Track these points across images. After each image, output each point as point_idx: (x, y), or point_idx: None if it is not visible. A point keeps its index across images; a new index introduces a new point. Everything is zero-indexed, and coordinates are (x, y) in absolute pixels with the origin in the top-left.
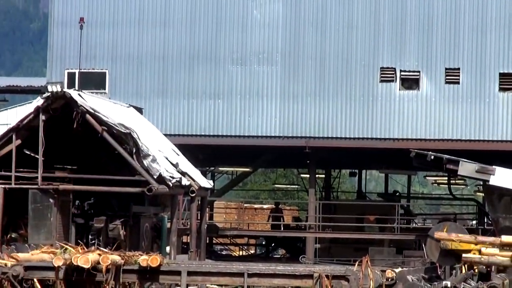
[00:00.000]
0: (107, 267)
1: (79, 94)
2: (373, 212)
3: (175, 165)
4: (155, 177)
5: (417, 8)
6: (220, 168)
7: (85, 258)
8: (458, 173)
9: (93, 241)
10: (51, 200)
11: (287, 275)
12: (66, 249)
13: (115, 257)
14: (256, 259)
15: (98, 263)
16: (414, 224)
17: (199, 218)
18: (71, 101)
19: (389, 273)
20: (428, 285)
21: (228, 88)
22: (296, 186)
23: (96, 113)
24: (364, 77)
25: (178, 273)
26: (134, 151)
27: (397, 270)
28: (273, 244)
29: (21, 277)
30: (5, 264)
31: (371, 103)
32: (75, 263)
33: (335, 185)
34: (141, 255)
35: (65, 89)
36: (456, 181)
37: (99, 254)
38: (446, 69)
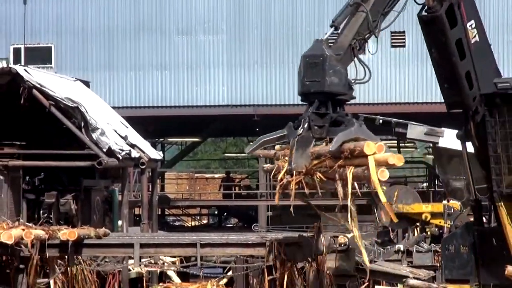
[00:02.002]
0: (32, 242)
1: (25, 70)
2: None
3: (124, 138)
4: (104, 150)
5: None
6: (170, 139)
7: (8, 234)
8: (407, 136)
9: (44, 216)
10: (0, 177)
11: (240, 244)
12: None
13: (39, 232)
14: (209, 229)
15: (22, 238)
16: (365, 188)
17: (150, 189)
18: (17, 77)
19: (342, 239)
20: (381, 249)
21: (175, 59)
22: (246, 155)
23: (42, 88)
24: (309, 44)
25: (131, 245)
26: (82, 125)
27: (349, 236)
28: (225, 214)
29: None
30: None
31: None
32: None
33: None
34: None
35: (11, 65)
36: (406, 144)
37: (23, 230)
38: (391, 32)
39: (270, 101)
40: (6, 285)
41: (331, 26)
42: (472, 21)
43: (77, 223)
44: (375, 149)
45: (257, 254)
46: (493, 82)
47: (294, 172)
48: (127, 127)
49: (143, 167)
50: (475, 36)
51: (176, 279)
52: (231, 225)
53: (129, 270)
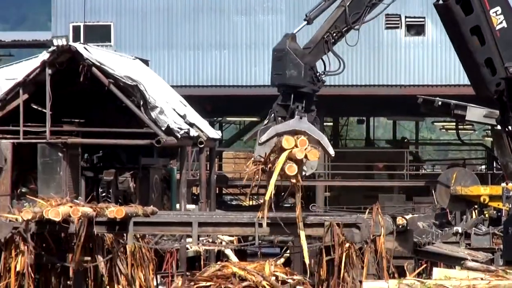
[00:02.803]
0: (79, 220)
1: (84, 48)
2: (382, 159)
3: (183, 117)
4: (163, 128)
5: None
6: (228, 118)
7: (55, 211)
8: (466, 118)
9: (103, 194)
10: (60, 154)
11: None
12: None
13: (86, 209)
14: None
15: (70, 215)
16: (423, 170)
17: (208, 169)
18: (77, 55)
19: (400, 220)
20: (439, 231)
21: (234, 39)
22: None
23: (102, 66)
24: (369, 24)
25: (189, 224)
26: (141, 103)
27: (407, 217)
28: (282, 193)
29: (33, 232)
30: (16, 219)
31: (377, 50)
32: (46, 216)
33: (343, 133)
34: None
35: (71, 43)
36: (464, 126)
37: (70, 207)
38: None
39: (329, 81)
40: (58, 260)
41: (304, 20)
42: (498, 8)
43: (135, 201)
44: (295, 143)
45: (315, 234)
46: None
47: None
48: (185, 106)
49: (202, 146)
50: (501, 22)
51: (233, 258)
52: (289, 205)
53: (187, 248)
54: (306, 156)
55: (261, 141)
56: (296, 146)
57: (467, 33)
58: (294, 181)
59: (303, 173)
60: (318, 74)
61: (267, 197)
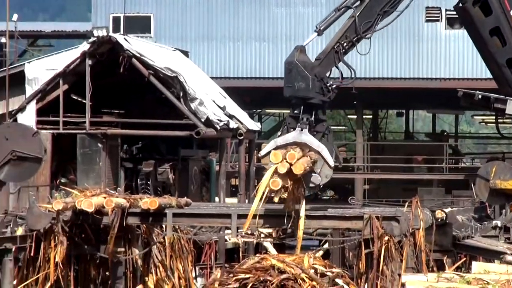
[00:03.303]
0: (113, 210)
1: (125, 39)
2: (421, 152)
3: (223, 108)
4: (202, 120)
5: None
6: (267, 110)
7: (88, 202)
8: (506, 112)
9: (142, 185)
10: (99, 145)
11: (337, 216)
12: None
13: (120, 200)
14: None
15: (103, 206)
16: (462, 164)
17: (247, 160)
18: (117, 46)
19: (439, 213)
20: (478, 224)
21: (274, 30)
22: (343, 127)
23: (142, 57)
24: (409, 17)
25: (228, 216)
26: (181, 94)
27: (446, 210)
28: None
29: (72, 222)
30: (54, 209)
31: (417, 43)
32: (78, 207)
33: (382, 126)
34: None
35: (111, 34)
36: (504, 120)
37: (104, 197)
38: None
39: (368, 74)
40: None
41: (315, 31)
42: None
43: (174, 192)
44: (283, 157)
45: (354, 227)
46: None
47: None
48: (225, 98)
49: (241, 138)
50: None
51: (272, 250)
52: (327, 198)
53: (226, 240)
54: (291, 170)
55: (261, 155)
56: (285, 159)
57: (487, 34)
58: (280, 196)
59: (318, 182)
60: (328, 84)
61: (250, 212)
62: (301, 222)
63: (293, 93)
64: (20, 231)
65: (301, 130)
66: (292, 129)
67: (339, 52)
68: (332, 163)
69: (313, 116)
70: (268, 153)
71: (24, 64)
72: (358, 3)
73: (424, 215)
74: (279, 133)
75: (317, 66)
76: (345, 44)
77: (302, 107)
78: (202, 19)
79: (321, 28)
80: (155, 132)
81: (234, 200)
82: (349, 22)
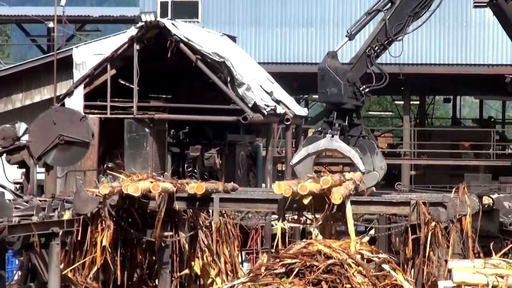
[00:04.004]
0: (159, 195)
1: (172, 24)
2: (468, 138)
3: (270, 93)
4: (250, 105)
5: None
6: (314, 96)
7: (134, 186)
8: None
9: (189, 170)
10: (146, 130)
11: (384, 202)
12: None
13: (167, 185)
14: None
15: (150, 191)
16: (509, 150)
17: (294, 146)
18: (164, 31)
19: (486, 200)
20: None
21: (321, 16)
22: (390, 113)
23: (190, 42)
24: (457, 3)
25: (275, 201)
26: (228, 79)
27: (493, 196)
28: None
29: (119, 207)
30: (101, 193)
31: (465, 29)
32: (125, 191)
33: (429, 112)
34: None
35: (159, 19)
36: None
37: (151, 182)
38: None
39: (416, 60)
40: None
41: (346, 36)
42: None
43: (221, 177)
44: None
45: (401, 213)
46: None
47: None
48: (272, 83)
49: (288, 123)
50: None
51: (318, 235)
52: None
53: (272, 225)
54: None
55: (292, 163)
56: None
57: None
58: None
59: (377, 179)
60: (361, 88)
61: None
62: (349, 209)
63: (326, 99)
64: (67, 215)
65: (332, 136)
66: (328, 135)
67: (371, 56)
68: (362, 168)
69: (347, 121)
70: (300, 162)
71: (72, 49)
72: (389, 5)
73: (471, 201)
74: (310, 134)
75: (349, 71)
76: (376, 47)
77: (335, 113)
78: (249, 4)
79: (353, 33)
80: (202, 117)
81: None
82: (380, 25)
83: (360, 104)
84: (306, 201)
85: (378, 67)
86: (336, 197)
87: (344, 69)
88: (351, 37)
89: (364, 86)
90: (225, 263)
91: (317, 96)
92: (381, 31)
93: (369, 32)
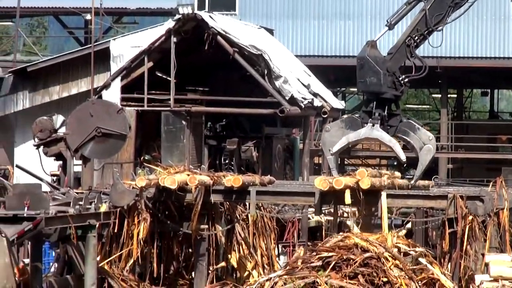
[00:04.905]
0: (196, 188)
1: (210, 16)
2: (506, 132)
3: (307, 86)
4: (287, 98)
5: None
6: (351, 89)
7: (171, 179)
8: None
9: (225, 163)
10: (183, 122)
11: (421, 196)
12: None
13: (203, 178)
14: None
15: (186, 184)
16: None
17: None
18: (202, 23)
19: None
20: None
21: (358, 8)
22: (428, 106)
23: (227, 34)
24: None
25: (312, 194)
26: (265, 72)
27: None
28: (405, 165)
29: (156, 199)
30: (138, 186)
31: (503, 22)
32: (161, 184)
33: (467, 105)
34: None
35: (196, 11)
36: None
37: (188, 175)
38: None
39: (453, 53)
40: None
41: (386, 26)
42: None
43: (257, 170)
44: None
45: (438, 206)
46: None
47: None
48: (309, 76)
49: (325, 116)
50: None
51: (355, 229)
52: (410, 177)
53: (309, 218)
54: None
55: (333, 151)
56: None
57: None
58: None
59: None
60: (401, 78)
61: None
62: (384, 200)
63: (365, 88)
64: (104, 208)
65: (373, 125)
66: (365, 124)
67: (410, 46)
68: (403, 157)
69: (386, 111)
70: (340, 150)
71: (109, 41)
72: None
73: (509, 194)
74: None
75: (388, 61)
76: (416, 37)
77: (374, 102)
78: None
79: (392, 23)
80: (239, 109)
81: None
82: (420, 16)
83: (399, 94)
84: (347, 200)
85: (417, 57)
86: (364, 182)
87: (384, 59)
88: (390, 26)
89: (403, 76)
90: (262, 256)
91: (354, 89)
92: (421, 21)
93: (406, 23)
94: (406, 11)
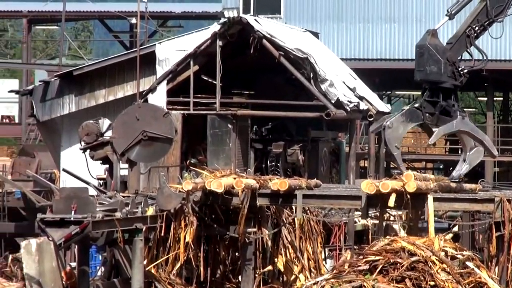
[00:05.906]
0: (242, 191)
1: (255, 19)
2: None
3: (353, 90)
4: (332, 101)
5: None
6: (397, 92)
7: (218, 183)
8: None
9: (272, 167)
10: (229, 126)
11: (468, 199)
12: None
13: (250, 181)
14: None
15: (233, 187)
16: None
17: (377, 142)
18: (247, 27)
19: None
20: None
21: (404, 12)
22: (473, 109)
23: (272, 38)
24: None
25: (359, 197)
26: (311, 76)
27: None
28: (451, 168)
29: (202, 203)
30: (184, 190)
31: None
32: (208, 187)
33: None
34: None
35: (242, 15)
36: None
37: (234, 178)
38: None
39: (500, 56)
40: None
41: (446, 15)
42: None
43: (304, 173)
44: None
45: (485, 210)
46: None
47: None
48: (355, 79)
49: (371, 119)
50: None
51: (401, 232)
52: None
53: (355, 222)
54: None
55: (431, 142)
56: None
57: None
58: None
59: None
60: (460, 68)
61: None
62: (430, 204)
63: (424, 77)
64: (150, 211)
65: (463, 118)
66: (428, 114)
67: (470, 36)
68: (495, 152)
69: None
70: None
71: (154, 45)
72: None
73: None
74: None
75: (448, 50)
76: (476, 28)
77: (440, 93)
78: (332, 0)
79: (453, 12)
80: (285, 113)
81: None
82: (480, 6)
83: (458, 84)
84: (391, 203)
85: (477, 48)
86: (411, 186)
87: (444, 48)
88: (451, 16)
89: (463, 66)
90: (308, 259)
91: (399, 92)
92: (481, 12)
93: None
94: (467, 1)
